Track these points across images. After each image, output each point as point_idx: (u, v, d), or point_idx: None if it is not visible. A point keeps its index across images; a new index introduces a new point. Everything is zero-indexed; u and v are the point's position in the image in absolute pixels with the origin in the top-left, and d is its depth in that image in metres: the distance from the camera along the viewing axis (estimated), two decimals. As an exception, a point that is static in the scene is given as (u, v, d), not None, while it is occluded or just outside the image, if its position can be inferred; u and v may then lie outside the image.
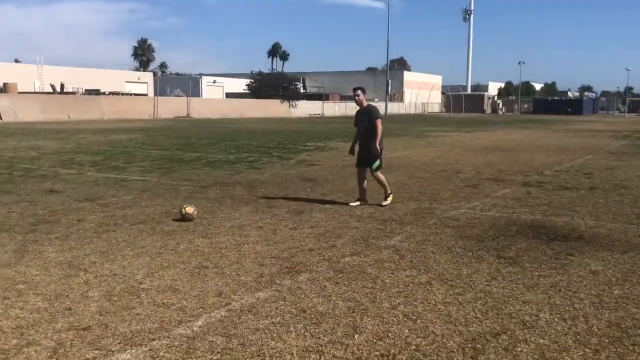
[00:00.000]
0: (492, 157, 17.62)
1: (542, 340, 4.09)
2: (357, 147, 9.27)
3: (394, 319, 4.45)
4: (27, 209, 8.61)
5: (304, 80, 72.86)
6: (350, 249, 6.53)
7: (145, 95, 59.55)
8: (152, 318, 4.41)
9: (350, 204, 9.04)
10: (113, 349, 3.89)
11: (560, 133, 33.50)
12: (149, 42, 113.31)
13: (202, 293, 4.99)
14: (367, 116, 8.97)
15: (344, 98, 69.69)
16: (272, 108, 59.27)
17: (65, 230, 7.23)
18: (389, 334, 4.17)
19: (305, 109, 63.48)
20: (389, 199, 9.13)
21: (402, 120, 52.51)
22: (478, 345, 4.00)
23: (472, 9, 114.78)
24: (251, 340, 4.05)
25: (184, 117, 49.37)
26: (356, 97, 8.87)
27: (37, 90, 49.87)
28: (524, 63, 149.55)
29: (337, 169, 14.18)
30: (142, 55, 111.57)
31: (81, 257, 6.07)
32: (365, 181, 9.14)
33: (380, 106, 76.09)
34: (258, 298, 4.89)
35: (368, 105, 9.01)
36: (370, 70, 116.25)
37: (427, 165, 15.08)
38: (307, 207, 8.99)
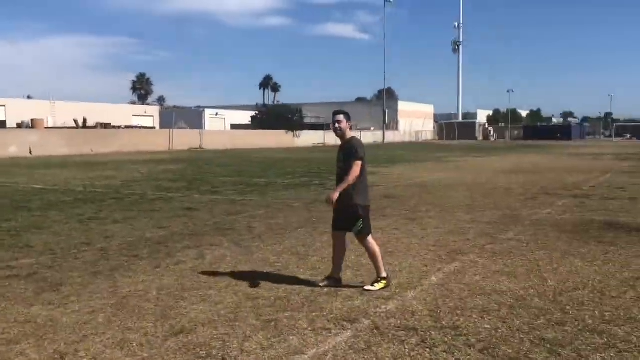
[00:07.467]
0: (524, 177, 20.00)
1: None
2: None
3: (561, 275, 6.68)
4: (193, 221, 10.68)
5: (300, 111, 75.44)
6: (481, 240, 8.73)
7: (154, 128, 61.86)
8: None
9: (320, 284, 6.28)
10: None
11: (565, 157, 36.23)
12: (147, 76, 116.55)
13: (416, 264, 7.15)
14: (343, 154, 6.39)
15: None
16: (278, 138, 61.76)
17: (251, 232, 9.37)
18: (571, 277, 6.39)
19: (307, 138, 66.05)
20: (378, 285, 6.14)
21: (404, 148, 55.26)
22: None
23: (461, 40, 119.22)
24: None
25: (196, 148, 51.40)
26: (337, 125, 6.36)
27: (50, 125, 52.05)
28: (512, 91, 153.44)
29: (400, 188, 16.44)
30: (141, 89, 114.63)
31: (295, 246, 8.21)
32: (345, 251, 6.56)
33: (377, 135, 79.67)
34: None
35: (351, 138, 6.38)
36: (361, 100, 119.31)
37: (477, 185, 17.39)
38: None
